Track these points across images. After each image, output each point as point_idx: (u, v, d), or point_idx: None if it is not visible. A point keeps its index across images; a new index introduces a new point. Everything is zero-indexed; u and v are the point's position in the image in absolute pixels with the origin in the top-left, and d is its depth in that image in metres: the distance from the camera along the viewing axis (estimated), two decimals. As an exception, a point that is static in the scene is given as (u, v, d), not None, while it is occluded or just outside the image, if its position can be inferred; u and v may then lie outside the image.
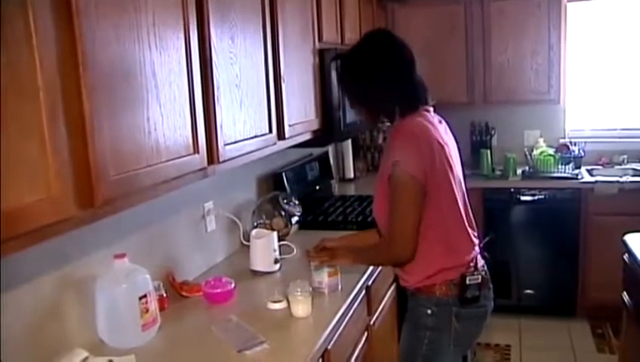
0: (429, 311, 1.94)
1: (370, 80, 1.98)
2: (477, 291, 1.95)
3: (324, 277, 2.19)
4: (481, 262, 2.04)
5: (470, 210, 2.08)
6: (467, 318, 1.97)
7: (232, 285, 2.23)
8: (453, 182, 1.95)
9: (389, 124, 2.05)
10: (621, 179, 4.06)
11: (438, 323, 1.94)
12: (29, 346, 1.65)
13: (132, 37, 1.47)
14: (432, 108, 2.05)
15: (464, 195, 2.05)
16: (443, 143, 1.95)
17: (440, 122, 2.06)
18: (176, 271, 2.33)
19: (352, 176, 4.43)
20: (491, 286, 2.08)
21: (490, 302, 2.08)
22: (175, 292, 2.24)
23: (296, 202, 2.96)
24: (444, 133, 2.03)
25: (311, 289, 2.07)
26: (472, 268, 1.96)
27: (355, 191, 4.05)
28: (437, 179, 1.88)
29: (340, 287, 2.24)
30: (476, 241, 2.05)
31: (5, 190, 1.10)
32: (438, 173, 1.89)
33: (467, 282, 1.92)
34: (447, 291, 1.92)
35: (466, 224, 2.01)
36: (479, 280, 1.95)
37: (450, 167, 1.95)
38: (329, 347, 1.95)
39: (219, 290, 2.20)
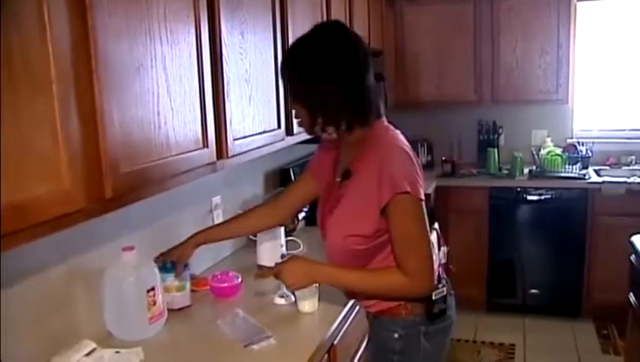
0: (396, 335, 1.78)
1: (312, 78, 1.68)
2: (443, 304, 1.80)
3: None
4: (442, 272, 1.87)
5: None
6: (436, 334, 1.81)
7: (239, 279, 2.23)
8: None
9: (333, 133, 1.74)
10: (628, 180, 4.05)
11: (406, 346, 1.79)
12: (37, 337, 1.66)
13: (143, 30, 1.47)
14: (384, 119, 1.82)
15: None
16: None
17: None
18: (184, 265, 2.33)
19: (358, 173, 4.42)
20: (452, 292, 1.90)
21: (454, 309, 1.90)
22: (182, 285, 2.25)
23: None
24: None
25: (317, 284, 2.07)
26: (436, 282, 1.76)
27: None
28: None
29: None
30: (436, 254, 1.85)
31: (16, 181, 1.11)
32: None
33: (433, 297, 1.76)
34: (412, 310, 1.76)
35: None
36: (444, 293, 1.80)
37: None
38: (335, 342, 1.96)
39: (225, 284, 2.21)
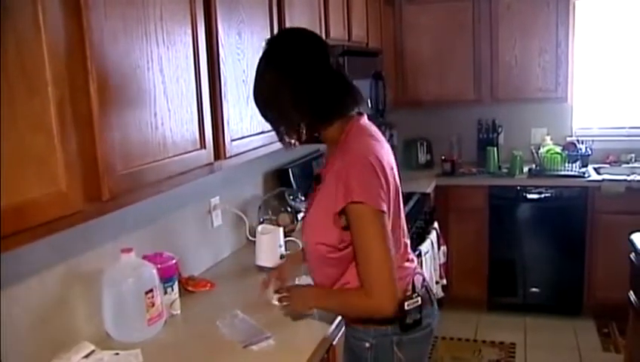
0: (367, 345, 1.73)
1: (263, 89, 1.69)
2: (418, 314, 1.72)
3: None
4: (419, 280, 1.81)
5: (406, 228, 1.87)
6: (411, 344, 1.75)
7: (174, 261, 2.08)
8: (400, 206, 1.76)
9: (296, 142, 1.74)
10: (628, 178, 4.04)
11: (378, 356, 1.74)
12: (36, 339, 1.66)
13: (140, 31, 1.47)
14: (366, 116, 1.79)
15: (403, 214, 1.82)
16: (391, 164, 1.71)
17: (377, 132, 1.80)
18: (183, 266, 2.33)
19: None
20: (434, 300, 1.86)
21: (435, 318, 1.84)
22: (181, 287, 2.24)
23: (303, 198, 2.97)
24: (387, 148, 1.77)
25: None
26: (410, 292, 1.73)
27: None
28: (389, 207, 1.66)
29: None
30: (414, 260, 1.87)
31: (13, 183, 1.11)
32: (390, 200, 1.67)
33: (406, 308, 1.69)
34: (383, 320, 1.69)
35: (408, 248, 1.85)
36: (419, 302, 1.73)
37: (397, 189, 1.73)
38: (334, 342, 1.95)
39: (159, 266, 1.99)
